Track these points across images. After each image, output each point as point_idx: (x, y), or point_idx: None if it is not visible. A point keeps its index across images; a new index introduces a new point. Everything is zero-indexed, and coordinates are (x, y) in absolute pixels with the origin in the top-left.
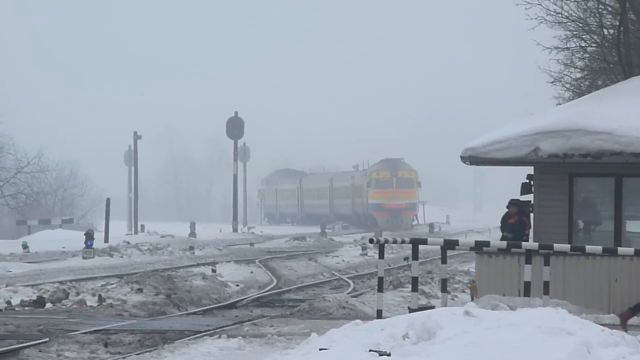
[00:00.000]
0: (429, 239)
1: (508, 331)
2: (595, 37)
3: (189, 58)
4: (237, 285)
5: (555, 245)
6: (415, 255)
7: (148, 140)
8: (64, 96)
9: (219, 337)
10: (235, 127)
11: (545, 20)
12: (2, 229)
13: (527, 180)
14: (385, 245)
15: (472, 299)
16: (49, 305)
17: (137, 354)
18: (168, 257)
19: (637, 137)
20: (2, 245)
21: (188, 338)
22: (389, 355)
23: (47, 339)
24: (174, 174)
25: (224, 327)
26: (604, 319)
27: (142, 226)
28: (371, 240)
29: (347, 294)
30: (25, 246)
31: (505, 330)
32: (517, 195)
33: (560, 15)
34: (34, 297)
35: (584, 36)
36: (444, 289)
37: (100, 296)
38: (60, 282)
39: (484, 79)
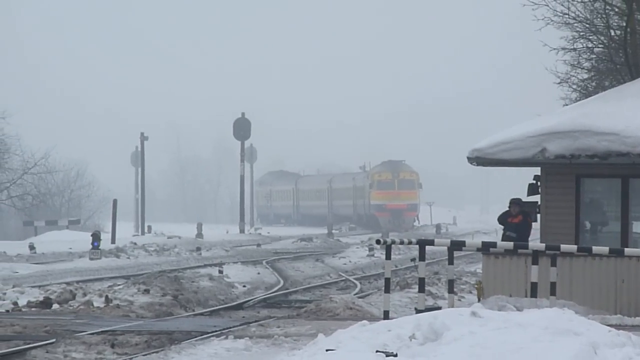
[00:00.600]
0: (435, 240)
1: (515, 332)
2: (602, 38)
3: (195, 59)
4: (244, 286)
5: (562, 246)
6: (422, 256)
7: (155, 142)
8: (71, 96)
9: (226, 337)
10: (242, 128)
11: (552, 21)
12: (9, 230)
13: (534, 181)
14: (392, 246)
15: (479, 300)
16: (55, 306)
17: (144, 355)
18: (175, 258)
19: None
20: (9, 246)
21: (195, 339)
22: (395, 356)
23: (53, 340)
24: (181, 175)
25: (230, 328)
26: (611, 319)
27: (149, 227)
28: (378, 241)
29: (354, 294)
30: (32, 247)
31: (512, 331)
32: (524, 196)
33: (567, 16)
34: (41, 298)
35: (590, 37)
36: (450, 290)
37: (107, 297)
38: (67, 283)
39: (490, 79)
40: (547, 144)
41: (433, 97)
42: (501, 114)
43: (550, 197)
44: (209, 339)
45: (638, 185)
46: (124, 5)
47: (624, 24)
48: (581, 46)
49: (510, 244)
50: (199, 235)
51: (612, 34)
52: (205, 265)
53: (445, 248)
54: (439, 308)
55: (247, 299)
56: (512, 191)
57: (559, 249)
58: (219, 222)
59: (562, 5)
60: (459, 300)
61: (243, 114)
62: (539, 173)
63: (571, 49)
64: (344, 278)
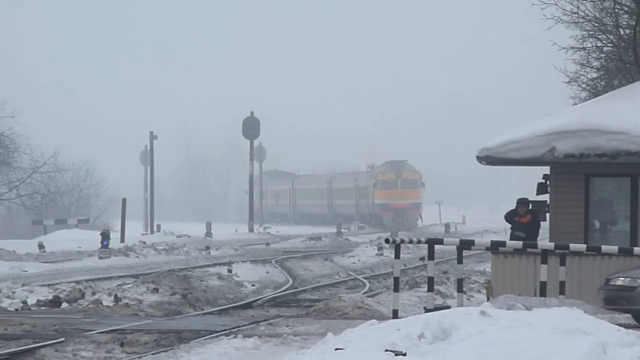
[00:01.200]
0: (445, 239)
1: (524, 331)
2: (611, 37)
3: (204, 58)
4: (253, 285)
5: (571, 245)
6: (431, 255)
7: (164, 141)
8: (80, 96)
9: (235, 336)
10: (251, 127)
11: (562, 20)
12: (19, 229)
13: (543, 180)
14: (401, 245)
15: (488, 299)
16: (65, 305)
17: (153, 354)
18: (184, 257)
19: None
20: (18, 245)
21: (204, 338)
22: (404, 355)
23: (63, 339)
24: (190, 174)
25: (240, 326)
26: (620, 318)
27: (158, 226)
28: (387, 240)
29: (363, 294)
30: (41, 246)
31: (521, 330)
32: (534, 195)
33: (576, 15)
34: (50, 297)
35: (600, 36)
36: (459, 289)
37: (116, 296)
38: (76, 282)
39: (499, 79)
40: (557, 143)
41: (441, 97)
42: (510, 114)
43: (559, 196)
44: (218, 337)
45: None
46: (134, 6)
47: (634, 23)
48: (590, 45)
49: (519, 243)
50: (208, 234)
51: (622, 33)
52: (214, 264)
53: (454, 247)
54: (448, 307)
55: (256, 298)
56: (521, 190)
57: (568, 248)
58: (228, 221)
59: (572, 4)
60: (468, 299)
61: (252, 113)
62: (548, 172)
63: (580, 48)
64: (353, 277)
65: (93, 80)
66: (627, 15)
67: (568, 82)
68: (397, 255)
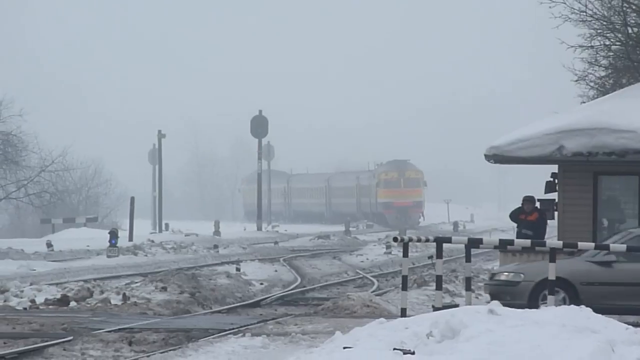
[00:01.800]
0: (453, 238)
1: (532, 330)
2: (619, 35)
3: (213, 57)
4: (261, 284)
5: (579, 243)
6: (439, 254)
7: (172, 139)
8: (88, 94)
9: (243, 335)
10: (259, 126)
11: (570, 18)
12: (27, 228)
13: (552, 179)
14: (410, 243)
15: None
16: (73, 303)
17: (161, 353)
18: (192, 255)
19: None
20: (26, 244)
21: (212, 336)
22: (413, 353)
23: (71, 338)
24: (198, 173)
25: (248, 325)
26: (628, 317)
27: (167, 225)
28: (395, 239)
29: (371, 292)
30: (49, 245)
31: (529, 329)
32: (542, 194)
33: (584, 13)
34: (58, 296)
35: (608, 34)
36: (468, 288)
37: (124, 295)
38: (85, 281)
39: (507, 77)
40: (565, 142)
41: (450, 96)
42: (518, 112)
43: (567, 194)
44: (227, 336)
45: None
46: (142, 5)
47: None
48: (598, 43)
49: (527, 242)
50: (217, 232)
51: (630, 31)
52: (222, 263)
53: (463, 246)
54: (457, 306)
55: (264, 297)
56: (529, 189)
57: (576, 246)
58: (236, 219)
59: (579, 2)
60: (476, 297)
61: (260, 111)
62: (556, 171)
63: (588, 46)
64: (361, 276)
65: (101, 79)
66: (635, 14)
67: (576, 81)
68: (405, 254)
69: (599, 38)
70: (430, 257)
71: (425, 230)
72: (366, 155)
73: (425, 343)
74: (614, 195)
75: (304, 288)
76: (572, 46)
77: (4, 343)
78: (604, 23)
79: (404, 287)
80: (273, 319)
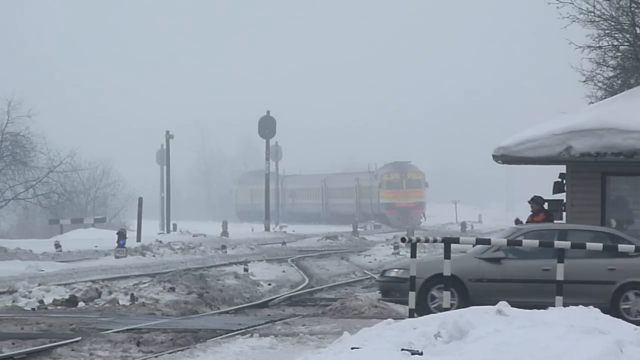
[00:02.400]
0: (461, 238)
1: (540, 330)
2: (627, 35)
3: (220, 57)
4: (269, 284)
5: (587, 244)
6: (447, 254)
7: (180, 140)
8: (97, 95)
9: (251, 336)
10: (267, 127)
11: (578, 19)
12: (35, 228)
13: (560, 179)
14: (417, 244)
15: None
16: (81, 304)
17: (169, 353)
18: (200, 256)
19: None
20: (34, 244)
21: (220, 337)
22: (421, 354)
23: (79, 338)
24: (206, 173)
25: (256, 326)
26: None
27: (175, 225)
28: (403, 240)
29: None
30: (57, 245)
31: (537, 329)
32: (550, 194)
33: (592, 14)
34: (67, 296)
35: (616, 35)
36: None
37: (132, 295)
38: (93, 281)
39: (516, 78)
40: (573, 142)
41: (457, 97)
42: (527, 113)
43: (575, 195)
44: (235, 337)
45: None
46: (151, 6)
47: None
48: (606, 44)
49: (535, 242)
50: (224, 233)
51: (638, 31)
52: (230, 264)
53: (471, 246)
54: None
55: (272, 297)
56: (537, 189)
57: (584, 247)
58: (244, 220)
59: (588, 3)
60: None
61: (268, 112)
62: (564, 171)
63: (596, 46)
64: (369, 276)
65: (110, 79)
66: None
67: (584, 81)
68: (413, 254)
69: (607, 38)
70: None
71: (432, 230)
72: (373, 155)
73: (433, 344)
74: (622, 196)
75: (312, 288)
76: (580, 47)
77: (13, 343)
78: (612, 23)
79: (412, 288)
80: (281, 319)
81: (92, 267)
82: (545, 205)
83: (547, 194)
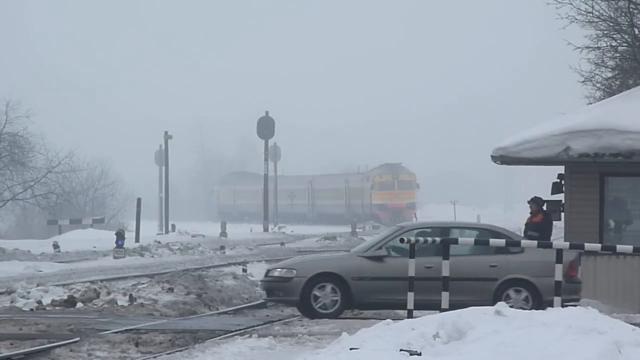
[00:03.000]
0: (459, 239)
1: (539, 331)
2: (626, 36)
3: (218, 58)
4: None
5: (586, 244)
6: (446, 255)
7: (179, 140)
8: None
9: (250, 336)
10: (266, 127)
11: (576, 19)
12: (33, 229)
13: (558, 180)
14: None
15: None
16: (79, 304)
17: (168, 354)
18: (199, 256)
19: None
20: (33, 245)
21: (219, 337)
22: (419, 354)
23: (77, 339)
24: (205, 174)
25: (254, 326)
26: (635, 318)
27: (173, 226)
28: (402, 240)
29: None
30: (56, 246)
31: (536, 330)
32: (549, 195)
33: (591, 14)
34: (65, 297)
35: (614, 35)
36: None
37: (131, 296)
38: (91, 282)
39: (514, 78)
40: (571, 143)
41: (456, 98)
42: (525, 114)
43: (574, 195)
44: (233, 337)
45: None
46: (148, 5)
47: None
48: (605, 45)
49: (534, 243)
50: (223, 233)
51: (637, 32)
52: (229, 264)
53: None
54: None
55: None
56: (536, 190)
57: (583, 247)
58: (243, 220)
59: (586, 3)
60: None
61: (267, 112)
62: (563, 172)
63: (595, 47)
64: None
65: (108, 79)
66: None
67: (583, 82)
68: (411, 255)
69: (606, 39)
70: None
71: None
72: (373, 156)
73: (432, 344)
74: (620, 197)
75: None
76: (578, 47)
77: (11, 344)
78: (611, 24)
79: (411, 288)
80: (280, 320)
81: (91, 268)
82: (545, 206)
83: (546, 194)
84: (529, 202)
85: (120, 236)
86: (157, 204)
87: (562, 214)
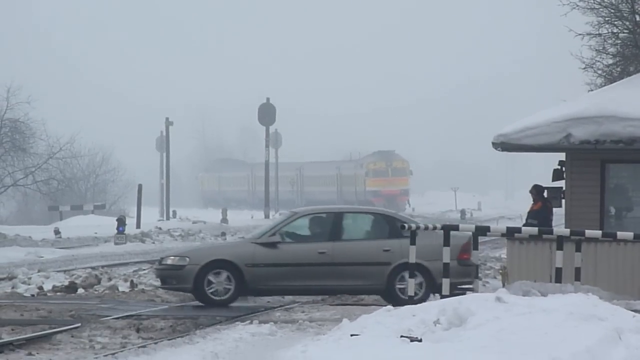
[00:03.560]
0: (460, 225)
1: (539, 317)
2: (627, 23)
3: (220, 44)
4: None
5: (586, 231)
6: (446, 242)
7: (180, 127)
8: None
9: (251, 322)
10: (267, 114)
11: (578, 6)
12: (35, 215)
13: (559, 167)
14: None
15: (504, 285)
16: (81, 290)
17: (169, 340)
18: (200, 242)
19: None
20: (34, 231)
21: (220, 324)
22: (420, 341)
23: (79, 325)
24: (206, 160)
25: (255, 312)
26: (635, 304)
27: (174, 212)
28: (402, 227)
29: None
30: (57, 232)
31: (536, 316)
32: (549, 182)
33: (592, 1)
34: (66, 283)
35: (616, 22)
36: (475, 275)
37: (132, 282)
38: (92, 268)
39: (515, 65)
40: (572, 130)
41: (457, 85)
42: (526, 100)
43: (575, 182)
44: (234, 323)
45: None
46: None
47: None
48: (606, 31)
49: (535, 230)
50: (224, 220)
51: (638, 19)
52: None
53: (470, 233)
54: (464, 293)
55: None
56: (537, 177)
57: (583, 234)
58: (244, 207)
59: None
60: (484, 285)
61: (268, 99)
62: (563, 158)
63: (596, 34)
64: None
65: (109, 66)
66: None
67: (584, 69)
68: (412, 242)
69: (607, 26)
70: None
71: (432, 218)
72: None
73: (433, 330)
74: (621, 183)
75: None
76: (579, 34)
77: (12, 330)
78: (612, 11)
79: (412, 275)
80: (280, 306)
81: (92, 254)
82: (545, 193)
83: (547, 181)
84: (530, 191)
85: (121, 222)
86: (158, 190)
87: (563, 200)
